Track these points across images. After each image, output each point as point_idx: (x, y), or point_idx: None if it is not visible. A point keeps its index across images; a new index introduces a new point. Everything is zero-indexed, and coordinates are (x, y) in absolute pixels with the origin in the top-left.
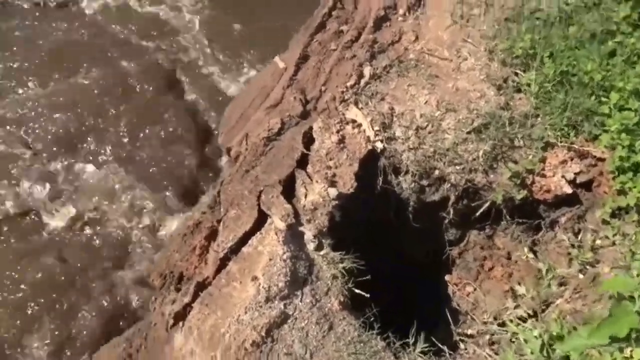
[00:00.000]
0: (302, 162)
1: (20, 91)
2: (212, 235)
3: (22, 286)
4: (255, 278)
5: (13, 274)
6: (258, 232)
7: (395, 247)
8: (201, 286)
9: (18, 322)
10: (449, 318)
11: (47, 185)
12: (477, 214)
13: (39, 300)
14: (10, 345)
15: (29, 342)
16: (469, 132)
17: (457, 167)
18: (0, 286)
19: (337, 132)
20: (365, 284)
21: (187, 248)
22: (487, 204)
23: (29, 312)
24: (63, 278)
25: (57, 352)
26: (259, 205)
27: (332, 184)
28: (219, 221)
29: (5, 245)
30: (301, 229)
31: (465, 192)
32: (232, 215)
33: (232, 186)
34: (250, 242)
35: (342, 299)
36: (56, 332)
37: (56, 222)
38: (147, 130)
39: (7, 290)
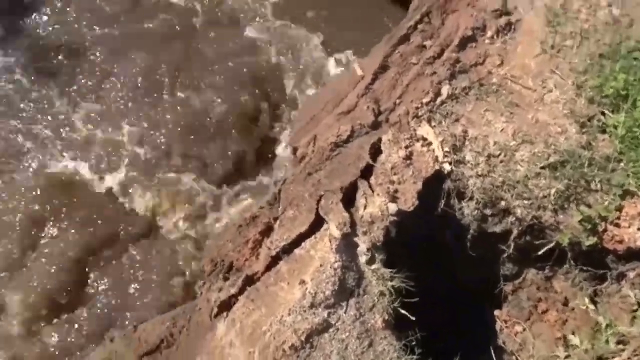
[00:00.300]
0: (366, 173)
1: (88, 35)
2: (267, 231)
3: (71, 253)
4: (303, 282)
5: (61, 237)
6: (312, 236)
7: (449, 269)
8: (249, 280)
9: (69, 289)
10: (493, 356)
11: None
12: (539, 252)
13: (92, 267)
14: (60, 312)
15: (78, 310)
16: (543, 167)
17: (525, 202)
18: (54, 251)
19: (406, 147)
20: (416, 301)
21: (240, 239)
22: (551, 245)
23: (81, 278)
24: (116, 247)
25: (104, 318)
26: (317, 209)
27: (394, 199)
28: (275, 219)
29: (60, 211)
30: (356, 239)
31: (529, 228)
32: (289, 215)
33: (294, 186)
34: (303, 244)
35: (386, 317)
36: (106, 300)
37: (107, 184)
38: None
39: (61, 256)
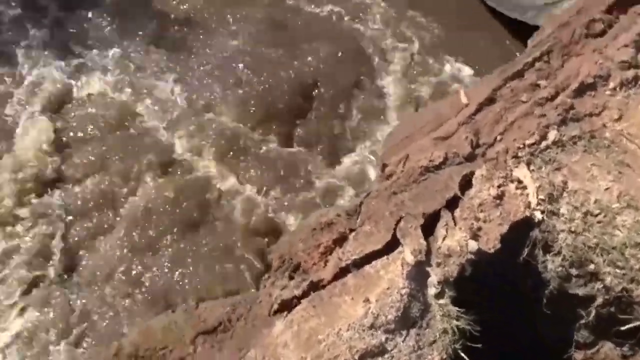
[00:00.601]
0: (452, 204)
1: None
2: (341, 240)
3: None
4: (367, 300)
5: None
6: (385, 256)
7: (531, 319)
8: (315, 286)
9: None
10: None
11: None
12: (622, 328)
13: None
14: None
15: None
16: None
17: (618, 271)
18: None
19: (498, 186)
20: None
21: (312, 242)
22: (638, 323)
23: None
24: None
25: (166, 290)
26: (395, 230)
27: (475, 236)
28: (351, 230)
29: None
30: (428, 269)
31: (617, 300)
32: (366, 230)
33: (376, 202)
34: (374, 262)
35: (444, 357)
36: (170, 271)
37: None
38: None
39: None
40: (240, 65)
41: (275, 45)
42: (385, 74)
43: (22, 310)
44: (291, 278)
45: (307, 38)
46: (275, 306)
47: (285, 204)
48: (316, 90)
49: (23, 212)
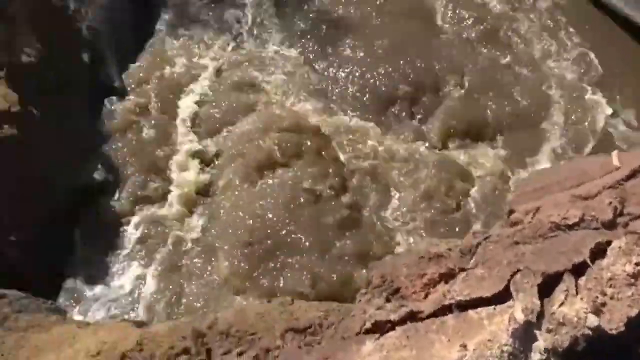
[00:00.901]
0: (578, 270)
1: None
2: (448, 276)
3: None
4: (464, 346)
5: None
6: (493, 306)
7: None
8: (412, 316)
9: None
10: None
11: None
12: None
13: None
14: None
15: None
16: None
17: None
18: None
19: (636, 264)
20: None
21: (417, 270)
22: None
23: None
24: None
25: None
26: (509, 281)
27: (597, 312)
28: (461, 269)
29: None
30: (536, 333)
31: None
32: (478, 274)
33: (495, 247)
34: (480, 309)
35: None
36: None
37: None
38: None
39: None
40: (386, 65)
41: (419, 46)
42: (543, 99)
43: (134, 262)
44: (388, 300)
45: (458, 39)
46: (368, 325)
47: (406, 220)
48: (466, 102)
49: None
